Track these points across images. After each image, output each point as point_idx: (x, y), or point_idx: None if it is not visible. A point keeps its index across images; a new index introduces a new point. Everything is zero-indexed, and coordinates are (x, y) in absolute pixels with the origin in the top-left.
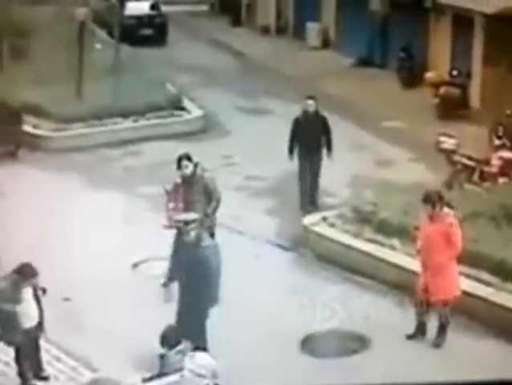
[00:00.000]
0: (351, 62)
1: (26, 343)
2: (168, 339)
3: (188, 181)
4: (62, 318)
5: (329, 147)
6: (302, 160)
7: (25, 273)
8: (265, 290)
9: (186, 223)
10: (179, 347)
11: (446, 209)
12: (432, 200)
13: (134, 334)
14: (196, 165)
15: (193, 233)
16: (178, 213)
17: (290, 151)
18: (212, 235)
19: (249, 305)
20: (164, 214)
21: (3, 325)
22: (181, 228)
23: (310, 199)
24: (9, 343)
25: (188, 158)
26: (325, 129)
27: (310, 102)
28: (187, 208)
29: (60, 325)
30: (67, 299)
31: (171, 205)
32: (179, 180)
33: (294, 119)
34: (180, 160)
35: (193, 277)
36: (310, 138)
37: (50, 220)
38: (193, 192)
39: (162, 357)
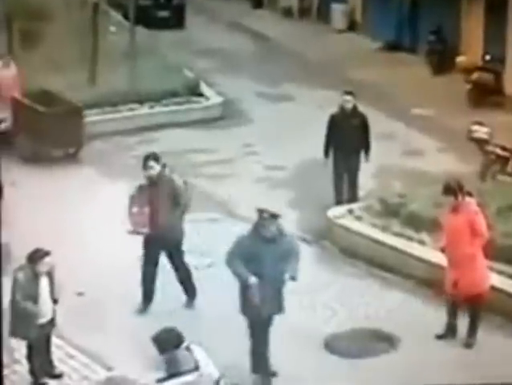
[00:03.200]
0: (378, 45)
1: (39, 339)
2: (167, 342)
3: (154, 183)
4: (76, 313)
5: (367, 149)
6: (338, 163)
7: (39, 257)
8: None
9: (273, 216)
10: (184, 344)
11: (468, 198)
12: (453, 190)
13: (151, 331)
14: (164, 166)
15: (274, 227)
16: (143, 218)
17: (326, 152)
18: (178, 247)
19: None
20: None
21: (17, 320)
22: (262, 223)
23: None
24: (23, 338)
25: (155, 158)
26: (364, 128)
27: (348, 98)
28: (152, 212)
29: (73, 320)
30: (80, 294)
31: (135, 210)
32: (144, 182)
33: (329, 117)
34: (145, 159)
35: (279, 270)
36: (347, 139)
37: (61, 212)
38: (159, 195)
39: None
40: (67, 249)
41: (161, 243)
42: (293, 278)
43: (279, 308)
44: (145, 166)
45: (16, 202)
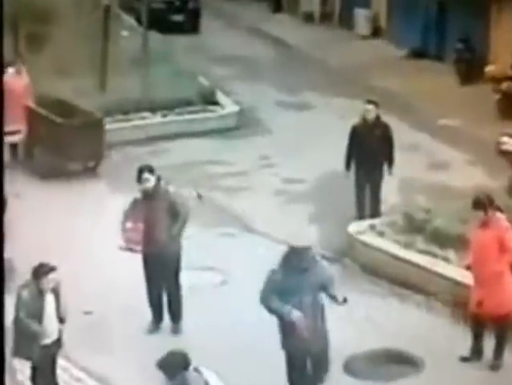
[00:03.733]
0: (403, 52)
1: (44, 361)
2: (175, 366)
3: (149, 197)
4: (83, 333)
5: (390, 161)
6: (360, 176)
7: (44, 272)
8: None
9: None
10: (192, 366)
11: (498, 213)
12: (483, 204)
13: (162, 352)
14: (159, 179)
15: (308, 256)
16: (137, 235)
17: (347, 164)
18: (176, 266)
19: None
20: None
21: (21, 339)
22: (295, 255)
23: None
24: (26, 359)
25: (150, 170)
26: (387, 140)
27: (370, 107)
28: (148, 228)
29: (80, 340)
30: (88, 313)
31: (129, 225)
32: (139, 196)
33: (351, 128)
34: (140, 172)
35: (316, 298)
36: (369, 150)
37: (69, 227)
38: (155, 210)
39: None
40: (74, 265)
41: (158, 261)
42: (333, 298)
43: (326, 339)
44: (140, 179)
45: (24, 216)
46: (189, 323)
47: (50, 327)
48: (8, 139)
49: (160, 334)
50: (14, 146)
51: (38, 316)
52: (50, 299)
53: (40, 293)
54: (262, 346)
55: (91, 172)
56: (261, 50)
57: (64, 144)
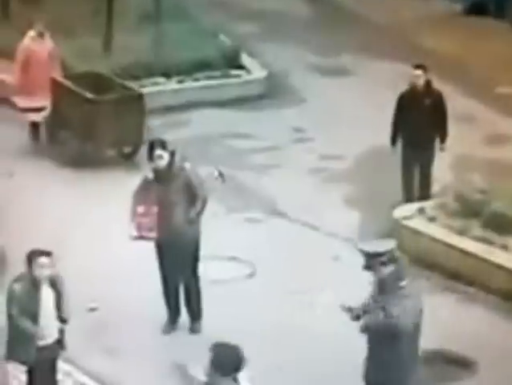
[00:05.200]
0: (458, 8)
1: (42, 365)
2: (227, 363)
3: (163, 176)
4: (87, 332)
5: (443, 136)
6: (408, 153)
7: (35, 256)
8: (344, 300)
9: (378, 255)
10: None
11: None
12: None
13: (177, 354)
14: (173, 154)
15: (387, 270)
16: (151, 219)
17: (393, 139)
18: (194, 256)
19: (327, 316)
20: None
21: (15, 340)
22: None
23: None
24: (22, 363)
25: (163, 145)
26: (439, 110)
27: (418, 72)
28: (163, 212)
29: (84, 341)
30: (93, 309)
31: (140, 209)
32: (150, 176)
33: (398, 97)
34: (151, 148)
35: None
36: (419, 123)
37: (74, 214)
38: (169, 191)
39: None
40: (76, 257)
41: (174, 250)
42: None
43: None
44: (151, 156)
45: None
46: (210, 322)
47: (48, 326)
48: (29, 117)
49: (177, 334)
50: (35, 126)
51: (33, 313)
52: (47, 294)
53: (34, 286)
54: (295, 353)
55: (127, 159)
56: (291, 5)
57: (96, 126)
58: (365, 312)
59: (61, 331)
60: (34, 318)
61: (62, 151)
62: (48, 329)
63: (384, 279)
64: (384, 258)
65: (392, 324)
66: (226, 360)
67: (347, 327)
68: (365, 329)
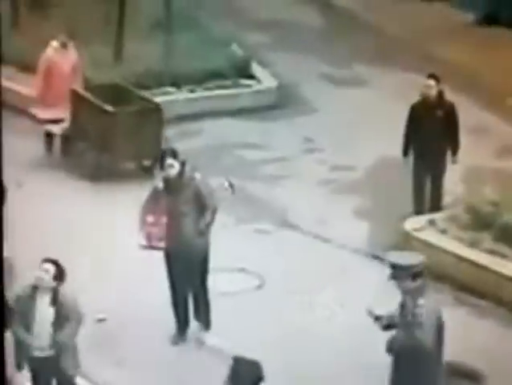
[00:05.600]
0: (471, 18)
1: (42, 375)
2: (245, 378)
3: (173, 186)
4: (96, 343)
5: (455, 148)
6: (419, 164)
7: (42, 262)
8: (354, 312)
9: (405, 269)
10: None
11: None
12: None
13: (187, 366)
14: (183, 164)
15: (414, 283)
16: (160, 229)
17: (405, 150)
18: (204, 266)
19: (335, 329)
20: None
21: (16, 350)
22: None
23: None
24: (17, 367)
25: (174, 155)
26: (451, 121)
27: (431, 82)
28: (172, 222)
29: (93, 352)
30: (101, 320)
31: (150, 219)
32: (160, 185)
33: (410, 108)
34: (162, 157)
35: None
36: (430, 134)
37: (81, 220)
38: (179, 201)
39: None
40: (84, 265)
41: (183, 260)
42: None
43: None
44: (162, 165)
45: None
46: (219, 333)
47: (41, 338)
48: (48, 128)
49: (186, 346)
50: (49, 137)
51: (27, 321)
52: (44, 303)
53: (32, 295)
54: (305, 365)
55: (147, 172)
56: (304, 14)
57: (115, 138)
58: (390, 325)
59: (60, 347)
60: (28, 326)
61: (77, 163)
62: (41, 340)
63: (410, 291)
64: (413, 271)
65: (417, 346)
66: (245, 375)
67: (364, 341)
68: (390, 350)
